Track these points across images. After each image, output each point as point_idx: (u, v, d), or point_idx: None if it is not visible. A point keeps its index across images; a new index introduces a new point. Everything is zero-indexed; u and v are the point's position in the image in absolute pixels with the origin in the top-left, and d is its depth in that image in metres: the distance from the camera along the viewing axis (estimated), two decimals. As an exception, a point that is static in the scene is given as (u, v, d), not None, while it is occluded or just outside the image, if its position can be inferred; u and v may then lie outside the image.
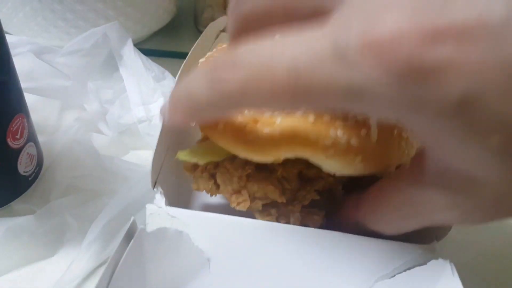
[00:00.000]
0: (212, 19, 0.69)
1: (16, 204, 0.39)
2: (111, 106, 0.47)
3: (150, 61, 0.52)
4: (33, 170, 0.40)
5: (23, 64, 0.41)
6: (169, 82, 0.50)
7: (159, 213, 0.30)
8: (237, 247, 0.29)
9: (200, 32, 0.47)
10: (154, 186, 0.32)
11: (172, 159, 0.37)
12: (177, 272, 0.29)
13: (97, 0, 0.53)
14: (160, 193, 0.32)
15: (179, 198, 0.36)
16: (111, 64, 0.50)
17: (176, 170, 0.37)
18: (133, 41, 0.52)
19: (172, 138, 0.38)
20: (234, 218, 0.29)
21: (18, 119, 0.36)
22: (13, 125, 0.35)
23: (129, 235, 0.28)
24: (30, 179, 0.40)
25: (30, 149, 0.39)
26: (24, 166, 0.38)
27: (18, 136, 0.37)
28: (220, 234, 0.29)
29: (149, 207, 0.30)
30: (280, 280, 0.28)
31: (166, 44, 0.67)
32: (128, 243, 0.27)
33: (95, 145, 0.44)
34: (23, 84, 0.37)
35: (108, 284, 0.25)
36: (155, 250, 0.29)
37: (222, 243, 0.29)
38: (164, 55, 0.64)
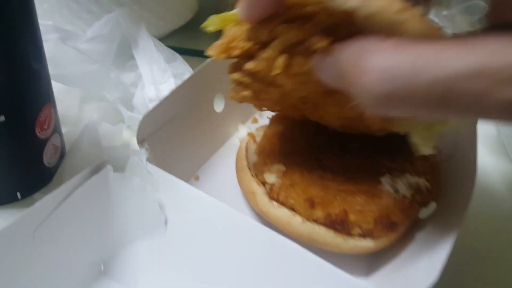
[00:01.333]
0: (235, 18, 0.71)
1: (38, 196, 0.40)
2: (136, 89, 0.48)
3: (161, 44, 0.54)
4: (56, 161, 0.41)
5: (49, 50, 0.43)
6: (179, 64, 0.52)
7: (138, 165, 0.33)
8: (198, 222, 0.31)
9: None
10: (140, 142, 0.35)
11: (176, 130, 0.40)
12: (132, 221, 0.32)
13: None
14: (146, 149, 0.34)
15: (168, 168, 0.37)
16: (126, 49, 0.52)
17: (177, 142, 0.41)
18: (155, 37, 0.54)
19: (177, 108, 0.41)
20: (207, 197, 0.31)
21: (47, 109, 0.37)
22: (42, 115, 0.36)
23: (96, 169, 0.29)
24: (53, 170, 0.41)
25: (55, 140, 0.40)
26: (49, 157, 0.39)
27: (46, 127, 0.37)
28: (187, 206, 0.32)
29: (132, 158, 0.33)
30: (221, 272, 0.30)
31: (187, 42, 0.68)
32: (92, 175, 0.30)
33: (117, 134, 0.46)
34: (49, 71, 0.39)
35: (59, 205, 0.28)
36: (118, 192, 0.32)
37: (186, 215, 0.32)
38: (185, 53, 0.65)
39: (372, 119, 0.34)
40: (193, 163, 0.46)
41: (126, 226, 0.32)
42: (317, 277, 0.28)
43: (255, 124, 0.55)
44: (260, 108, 0.40)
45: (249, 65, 0.30)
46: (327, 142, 0.44)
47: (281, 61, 0.28)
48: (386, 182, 0.37)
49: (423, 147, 0.34)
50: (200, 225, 0.31)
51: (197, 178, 0.46)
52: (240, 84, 0.33)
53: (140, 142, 0.36)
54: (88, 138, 0.42)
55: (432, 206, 0.40)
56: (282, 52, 0.28)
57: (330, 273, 0.27)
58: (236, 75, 0.32)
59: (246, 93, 0.33)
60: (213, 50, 0.32)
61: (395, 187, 0.37)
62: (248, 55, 0.30)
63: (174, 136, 0.41)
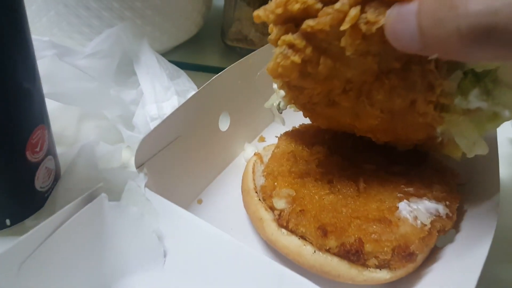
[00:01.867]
0: (240, 33, 0.70)
1: (29, 222, 0.37)
2: (136, 107, 0.47)
3: (165, 60, 0.53)
4: (50, 185, 0.38)
5: (45, 67, 0.42)
6: (183, 81, 0.51)
7: (136, 191, 0.32)
8: (199, 254, 0.30)
9: (227, 46, 0.47)
10: (139, 167, 0.34)
11: (178, 152, 0.39)
12: (129, 253, 0.30)
13: (126, 8, 0.54)
14: (145, 174, 0.32)
15: (169, 192, 0.36)
16: (128, 65, 0.51)
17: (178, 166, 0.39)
18: (158, 52, 0.53)
19: (180, 128, 0.39)
20: (209, 227, 0.30)
21: (39, 131, 0.34)
22: (33, 137, 0.34)
23: (90, 198, 0.29)
24: (46, 195, 0.38)
25: (48, 163, 0.37)
26: (41, 181, 0.37)
27: (38, 149, 0.35)
28: (187, 237, 0.30)
29: (129, 184, 0.32)
30: None
31: (191, 57, 0.68)
32: (85, 205, 0.28)
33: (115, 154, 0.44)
34: (44, 89, 0.37)
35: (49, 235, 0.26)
36: (113, 222, 0.30)
37: (187, 246, 0.30)
38: (189, 68, 0.65)
39: (420, 111, 0.32)
40: (196, 186, 0.45)
41: (122, 258, 0.30)
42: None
43: (262, 143, 0.54)
44: (291, 99, 0.37)
45: (311, 22, 0.28)
46: (340, 164, 0.42)
47: (354, 12, 0.26)
48: (403, 209, 0.35)
49: (468, 149, 0.33)
50: (201, 257, 0.30)
51: (200, 202, 0.45)
52: (291, 47, 0.30)
53: (139, 166, 0.34)
54: (84, 160, 0.41)
55: (452, 233, 0.38)
56: (355, 4, 0.26)
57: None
58: (288, 37, 0.30)
59: (296, 58, 0.30)
60: (267, 7, 0.30)
61: (414, 213, 0.35)
62: (306, 14, 0.29)
63: (175, 158, 0.40)
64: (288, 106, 0.45)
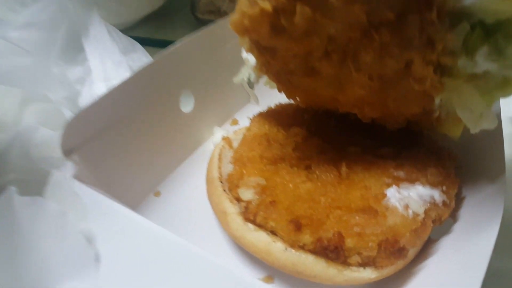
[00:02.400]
0: (212, 4, 0.65)
1: None
2: (82, 87, 0.42)
3: (118, 31, 0.48)
4: None
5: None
6: (139, 56, 0.46)
7: (62, 183, 0.27)
8: (139, 258, 0.25)
9: (198, 19, 0.42)
10: (67, 154, 0.29)
11: (127, 137, 0.34)
12: (52, 260, 0.25)
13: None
14: (74, 162, 0.27)
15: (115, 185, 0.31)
16: (76, 39, 0.45)
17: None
18: (117, 26, 0.47)
19: (127, 108, 0.34)
20: (151, 226, 0.26)
21: None
22: None
23: None
24: None
25: None
26: None
27: None
28: (125, 238, 0.26)
29: (55, 174, 0.27)
30: None
31: (157, 32, 0.63)
32: None
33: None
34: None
35: None
36: (28, 223, 0.25)
37: (124, 249, 0.26)
38: (155, 44, 0.59)
39: (417, 75, 0.28)
40: (153, 176, 0.40)
41: (43, 267, 0.25)
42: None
43: (235, 126, 0.48)
44: (261, 66, 0.32)
45: None
46: (320, 147, 0.37)
47: None
48: (392, 196, 0.30)
49: (472, 122, 0.29)
50: (142, 262, 0.25)
51: (157, 194, 0.40)
52: None
53: (67, 153, 0.29)
54: (18, 149, 0.35)
55: (449, 223, 0.33)
56: None
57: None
58: None
59: (266, 4, 0.25)
60: None
61: (404, 201, 0.30)
62: None
63: (123, 144, 0.35)
64: (261, 80, 0.39)
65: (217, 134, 0.46)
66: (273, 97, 0.41)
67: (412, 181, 0.33)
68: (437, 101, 0.31)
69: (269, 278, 0.34)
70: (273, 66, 0.32)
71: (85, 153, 0.31)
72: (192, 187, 0.40)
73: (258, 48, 0.31)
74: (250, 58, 0.38)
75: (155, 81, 0.36)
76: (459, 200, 0.35)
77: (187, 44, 0.39)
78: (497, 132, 0.35)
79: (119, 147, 0.34)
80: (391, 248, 0.29)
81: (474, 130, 0.31)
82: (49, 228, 0.25)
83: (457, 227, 0.33)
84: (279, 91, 0.37)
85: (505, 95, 0.29)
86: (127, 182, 0.35)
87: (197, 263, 0.24)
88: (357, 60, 0.29)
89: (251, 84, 0.38)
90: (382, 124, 0.36)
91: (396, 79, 0.29)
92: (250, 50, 0.31)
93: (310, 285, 0.33)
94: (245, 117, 0.47)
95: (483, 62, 0.27)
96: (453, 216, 0.34)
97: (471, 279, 0.25)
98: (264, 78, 0.39)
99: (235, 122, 0.49)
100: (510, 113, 0.55)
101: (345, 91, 0.32)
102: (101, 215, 0.27)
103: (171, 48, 0.37)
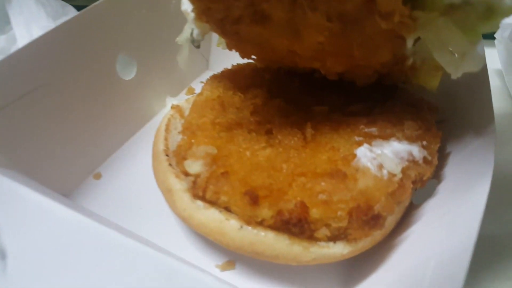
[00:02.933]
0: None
1: None
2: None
3: None
4: None
5: None
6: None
7: None
8: (55, 252, 0.22)
9: None
10: None
11: (53, 105, 0.29)
12: None
13: None
14: None
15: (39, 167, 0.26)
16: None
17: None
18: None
19: (50, 71, 0.29)
20: (64, 211, 0.22)
21: None
22: None
23: None
24: None
25: None
26: None
27: None
28: (35, 227, 0.22)
29: None
30: None
31: None
32: None
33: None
34: None
35: None
36: None
37: (36, 243, 0.22)
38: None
39: (383, 8, 0.24)
40: (91, 156, 0.35)
41: None
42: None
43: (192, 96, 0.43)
44: (201, 14, 0.28)
45: None
46: (283, 109, 0.33)
47: None
48: (363, 156, 0.26)
49: (453, 65, 0.25)
50: (59, 257, 0.21)
51: (98, 176, 0.35)
52: None
53: None
54: None
55: (432, 184, 0.30)
56: None
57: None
58: None
59: None
60: None
61: (377, 160, 0.26)
62: None
63: (42, 118, 0.30)
64: (211, 40, 0.35)
65: (170, 105, 0.41)
66: (231, 61, 0.37)
67: (386, 137, 0.29)
68: (409, 43, 0.27)
69: (229, 264, 0.30)
70: (215, 13, 0.28)
71: None
72: (139, 168, 0.36)
73: None
74: (189, 7, 0.33)
75: (84, 39, 0.31)
76: (443, 157, 0.31)
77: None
78: (483, 78, 0.31)
79: (38, 120, 0.29)
80: (364, 216, 0.25)
81: (455, 74, 0.27)
82: None
83: (442, 188, 0.29)
84: (230, 48, 0.32)
85: (490, 28, 0.25)
86: (55, 163, 0.31)
87: (126, 254, 0.20)
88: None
89: (196, 42, 0.33)
90: (350, 80, 0.32)
91: (359, 18, 0.25)
92: None
93: (275, 268, 0.29)
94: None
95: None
96: (437, 176, 0.30)
97: (460, 248, 0.21)
98: (215, 38, 0.34)
99: (191, 92, 0.44)
100: (496, 65, 0.52)
101: (302, 39, 0.28)
102: (5, 202, 0.22)
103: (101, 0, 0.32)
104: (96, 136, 0.35)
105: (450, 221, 0.25)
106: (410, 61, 0.29)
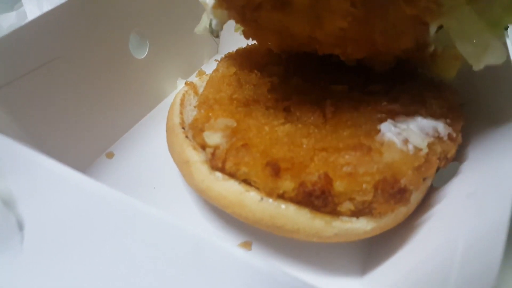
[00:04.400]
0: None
1: None
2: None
3: None
4: None
5: None
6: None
7: None
8: (76, 222, 0.21)
9: None
10: None
11: (65, 81, 0.29)
12: None
13: None
14: None
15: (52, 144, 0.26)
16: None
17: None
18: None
19: (63, 45, 0.29)
20: (85, 180, 0.21)
21: None
22: None
23: None
24: None
25: None
26: None
27: None
28: (54, 196, 0.21)
29: None
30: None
31: None
32: None
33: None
34: None
35: None
36: None
37: (55, 212, 0.21)
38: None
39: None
40: (104, 135, 0.35)
41: None
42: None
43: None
44: (221, 2, 0.29)
45: None
46: (301, 87, 0.33)
47: None
48: (387, 130, 0.26)
49: (475, 57, 0.25)
50: (79, 226, 0.21)
51: (110, 155, 0.35)
52: None
53: None
54: None
55: (454, 166, 0.29)
56: None
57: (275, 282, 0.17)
58: None
59: None
60: None
61: (403, 135, 0.26)
62: None
63: (55, 93, 0.30)
64: (227, 28, 0.35)
65: (181, 87, 0.41)
66: (241, 45, 0.37)
67: (410, 113, 0.28)
68: (432, 30, 0.27)
69: (246, 244, 0.30)
70: (236, 1, 0.28)
71: (5, 97, 0.26)
72: (151, 147, 0.36)
73: None
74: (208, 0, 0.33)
75: (99, 14, 0.31)
76: (464, 138, 0.31)
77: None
78: (507, 68, 0.31)
79: (54, 94, 0.29)
80: (390, 189, 0.24)
81: (477, 66, 0.26)
82: None
83: (466, 168, 0.29)
84: (247, 37, 0.32)
85: None
86: (69, 140, 0.30)
87: (148, 223, 0.19)
88: None
89: (215, 32, 0.33)
90: (369, 66, 0.32)
91: (383, 4, 0.25)
92: None
93: (293, 248, 0.29)
94: (212, 67, 0.43)
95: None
96: (459, 157, 0.30)
97: (492, 228, 0.20)
98: (232, 26, 0.34)
99: (201, 74, 0.44)
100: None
101: (324, 25, 0.28)
102: (22, 171, 0.22)
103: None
104: (109, 114, 0.34)
105: (478, 201, 0.24)
106: (431, 48, 0.29)
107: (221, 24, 0.34)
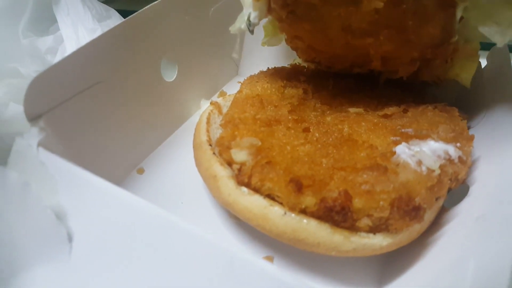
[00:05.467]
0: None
1: None
2: (54, 58, 0.40)
3: None
4: None
5: None
6: (114, 22, 0.43)
7: (25, 152, 0.25)
8: (120, 235, 0.23)
9: None
10: (33, 119, 0.27)
11: (103, 105, 0.32)
12: (18, 242, 0.23)
13: None
14: (40, 129, 0.26)
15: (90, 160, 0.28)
16: (45, 8, 0.43)
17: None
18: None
19: (101, 71, 0.32)
20: (131, 198, 0.24)
21: None
22: None
23: None
24: None
25: None
26: None
27: None
28: (102, 213, 0.24)
29: (18, 142, 0.25)
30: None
31: (134, 4, 0.59)
32: None
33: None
34: None
35: None
36: None
37: (101, 226, 0.23)
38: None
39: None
40: (135, 152, 0.38)
41: (7, 249, 0.22)
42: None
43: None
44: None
45: None
46: (319, 109, 0.35)
47: None
48: (402, 152, 0.29)
49: (499, 34, 0.29)
50: (123, 240, 0.23)
51: (141, 171, 0.37)
52: None
53: (33, 118, 0.27)
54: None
55: (464, 189, 0.31)
56: None
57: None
58: None
59: None
60: None
61: (416, 157, 0.28)
62: None
63: (96, 113, 0.32)
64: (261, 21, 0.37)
65: (204, 108, 0.44)
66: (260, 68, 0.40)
67: (422, 137, 0.31)
68: (458, 14, 0.29)
69: (268, 258, 0.32)
70: None
71: (54, 119, 0.28)
72: (178, 164, 0.38)
73: None
74: None
75: (132, 41, 0.34)
76: (473, 160, 0.33)
77: (167, 3, 0.37)
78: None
79: (94, 115, 0.32)
80: (405, 207, 0.26)
81: (501, 42, 0.29)
82: (10, 202, 0.22)
83: (475, 190, 0.31)
84: (281, 31, 0.35)
85: None
86: (105, 157, 0.33)
87: (186, 239, 0.22)
88: None
89: (252, 26, 0.36)
90: (393, 69, 0.35)
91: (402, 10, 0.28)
92: None
93: (312, 263, 0.31)
94: (234, 90, 0.46)
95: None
96: (468, 179, 0.32)
97: (499, 253, 0.22)
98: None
99: (223, 94, 0.47)
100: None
101: (360, 6, 0.30)
102: (72, 187, 0.24)
103: (149, 6, 0.35)
104: (140, 133, 0.37)
105: (486, 225, 0.26)
106: (455, 38, 0.31)
107: (260, 17, 0.36)
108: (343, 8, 0.30)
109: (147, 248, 0.22)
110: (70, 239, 0.23)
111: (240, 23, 0.36)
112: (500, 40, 0.29)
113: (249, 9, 0.35)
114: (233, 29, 0.37)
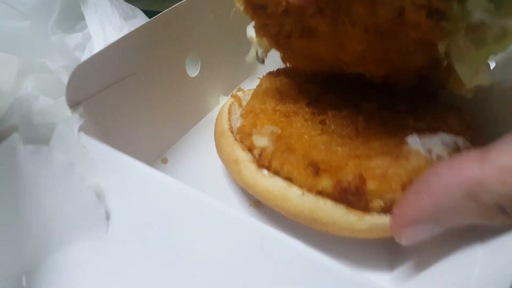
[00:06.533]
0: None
1: None
2: (82, 54, 0.43)
3: None
4: None
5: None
6: (140, 21, 0.47)
7: (67, 136, 0.26)
8: (154, 215, 0.24)
9: None
10: (73, 106, 0.30)
11: (132, 96, 0.34)
12: (59, 217, 0.24)
13: None
14: (80, 115, 0.28)
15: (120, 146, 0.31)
16: (73, 6, 0.46)
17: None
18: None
19: (132, 64, 0.35)
20: (167, 180, 0.25)
21: None
22: None
23: None
24: None
25: None
26: None
27: None
28: (138, 193, 0.25)
29: (59, 127, 0.27)
30: (186, 280, 0.23)
31: (157, 4, 0.63)
32: None
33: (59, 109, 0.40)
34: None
35: None
36: (32, 174, 0.24)
37: (137, 206, 0.25)
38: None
39: (410, 21, 0.28)
40: (159, 141, 0.40)
41: (50, 224, 0.24)
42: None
43: (241, 95, 0.50)
44: (260, 30, 0.35)
45: None
46: (334, 103, 0.38)
47: None
48: (414, 142, 0.31)
49: (468, 78, 0.29)
50: (158, 220, 0.24)
51: (164, 161, 0.40)
52: None
53: (73, 105, 0.30)
54: (17, 115, 0.36)
55: None
56: None
57: (337, 277, 0.20)
58: None
59: None
60: None
61: (427, 146, 0.31)
62: None
63: (128, 101, 0.35)
64: (267, 53, 0.41)
65: (223, 102, 0.47)
66: (274, 67, 0.43)
67: (433, 131, 0.34)
68: (441, 48, 0.31)
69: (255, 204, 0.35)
70: (271, 28, 0.34)
71: (91, 106, 0.31)
72: (199, 155, 0.41)
73: (252, 7, 0.33)
74: (253, 33, 0.40)
75: (161, 38, 0.38)
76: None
77: (193, 2, 0.40)
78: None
79: (125, 105, 0.34)
80: None
81: (469, 85, 0.31)
82: (55, 180, 0.24)
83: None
84: (284, 62, 0.39)
85: (502, 49, 0.29)
86: (132, 146, 0.36)
87: (220, 218, 0.23)
88: (350, 14, 0.30)
89: (261, 59, 0.40)
90: (394, 83, 0.38)
91: (392, 29, 0.30)
92: (245, 12, 0.34)
93: (324, 243, 0.33)
94: (251, 87, 0.49)
95: (475, 11, 0.27)
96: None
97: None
98: (275, 55, 0.41)
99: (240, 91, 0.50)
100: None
101: (346, 49, 0.33)
102: (110, 169, 0.26)
103: (175, 6, 0.39)
104: (165, 124, 0.40)
105: None
106: (444, 63, 0.33)
107: (266, 52, 0.40)
108: (330, 48, 0.33)
109: (181, 227, 0.24)
110: (107, 217, 0.25)
111: (253, 54, 0.41)
112: (467, 83, 0.30)
113: (256, 47, 0.39)
114: (248, 59, 0.42)
